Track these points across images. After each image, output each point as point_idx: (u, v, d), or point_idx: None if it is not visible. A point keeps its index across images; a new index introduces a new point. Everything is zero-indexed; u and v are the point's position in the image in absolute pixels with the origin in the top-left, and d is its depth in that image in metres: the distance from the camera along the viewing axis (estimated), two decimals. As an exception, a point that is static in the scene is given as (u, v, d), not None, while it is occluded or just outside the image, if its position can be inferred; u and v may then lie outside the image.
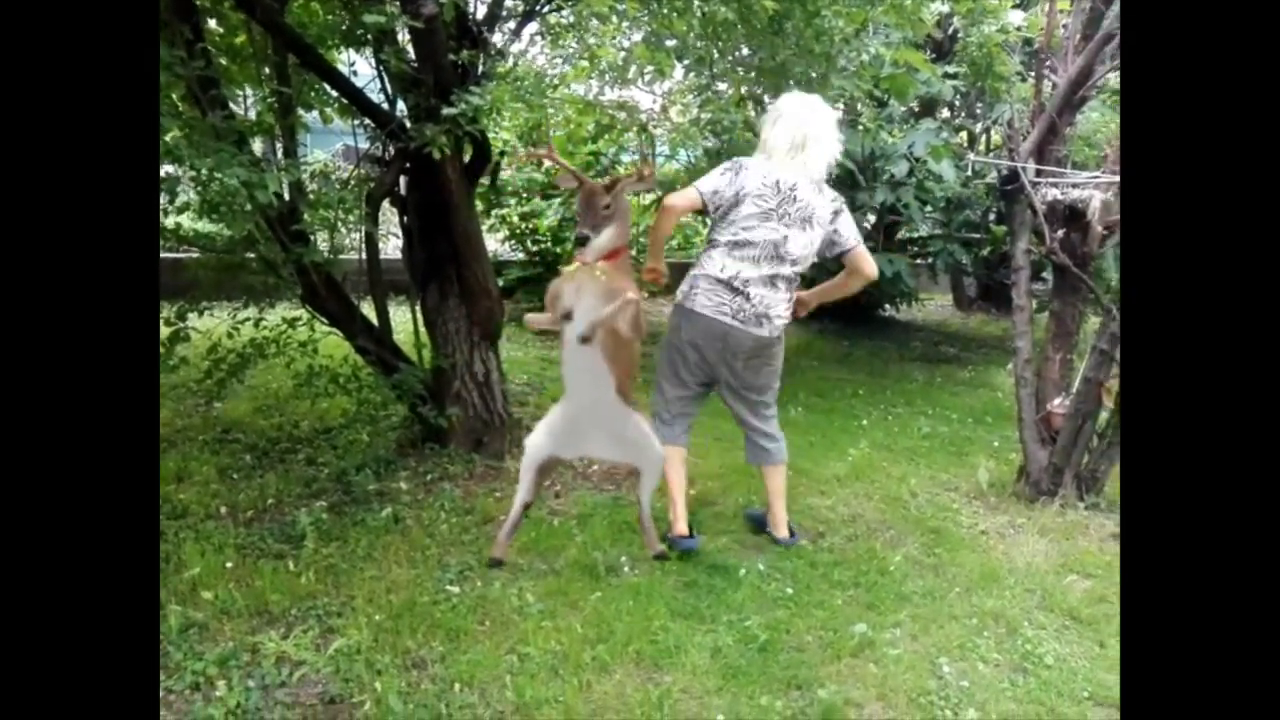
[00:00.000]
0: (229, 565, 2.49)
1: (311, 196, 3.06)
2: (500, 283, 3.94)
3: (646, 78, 4.56)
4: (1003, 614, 2.42)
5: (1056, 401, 3.36)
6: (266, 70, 3.23)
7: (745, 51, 4.29)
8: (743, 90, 4.95)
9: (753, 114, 5.44)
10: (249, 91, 3.48)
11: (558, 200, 6.28)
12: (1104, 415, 3.18)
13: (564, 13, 3.43)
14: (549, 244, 6.40)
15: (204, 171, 2.36)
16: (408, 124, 2.96)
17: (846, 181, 5.24)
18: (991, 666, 2.18)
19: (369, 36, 3.02)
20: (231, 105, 3.07)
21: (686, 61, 4.66)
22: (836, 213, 2.74)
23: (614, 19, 3.21)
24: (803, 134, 2.66)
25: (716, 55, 4.30)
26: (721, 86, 4.99)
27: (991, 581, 2.61)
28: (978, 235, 6.26)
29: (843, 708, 1.96)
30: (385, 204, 3.49)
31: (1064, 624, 2.40)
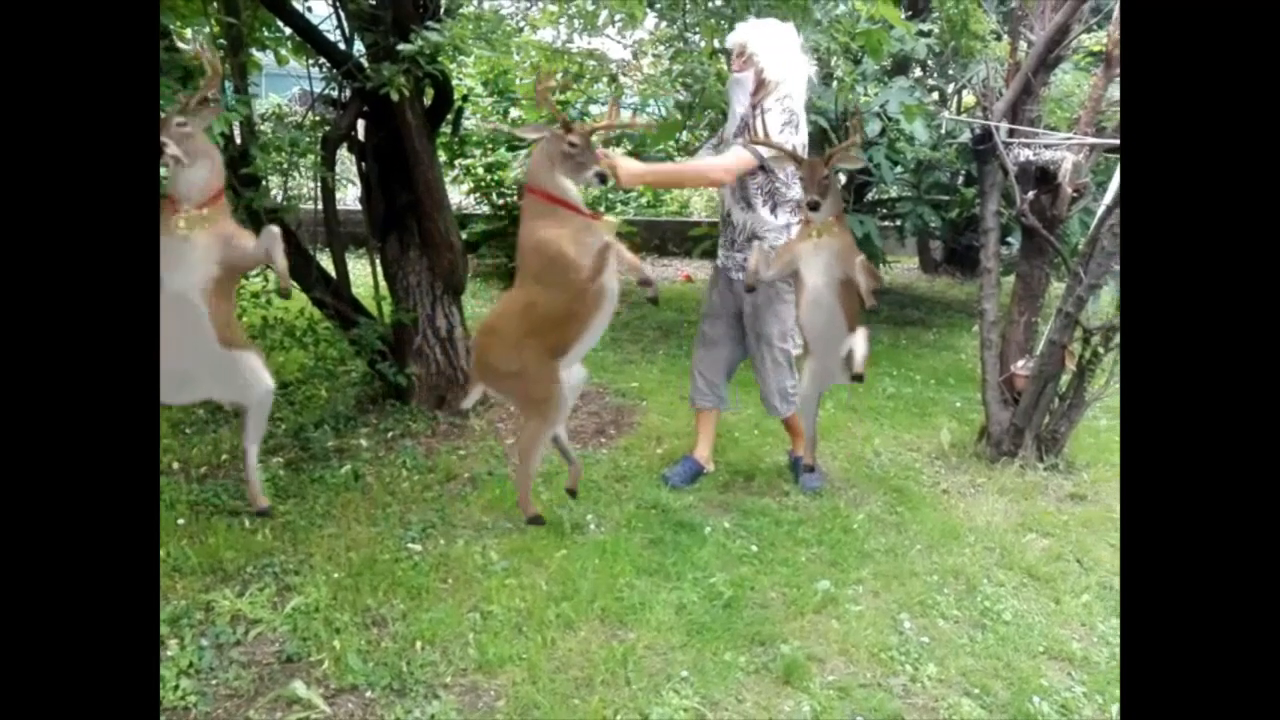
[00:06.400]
0: (181, 522, 2.43)
1: (263, 139, 2.90)
2: (464, 236, 3.82)
3: (617, 26, 4.40)
4: (962, 571, 2.46)
5: (1020, 363, 3.40)
6: (214, 2, 3.04)
7: (719, 1, 4.16)
8: (715, 42, 4.82)
9: (725, 66, 5.31)
10: (194, 26, 3.28)
11: (524, 152, 6.11)
12: (1065, 378, 3.22)
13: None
14: (515, 197, 6.24)
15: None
16: (365, 63, 2.82)
17: (819, 139, 5.17)
18: (951, 622, 2.22)
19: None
20: (177, 41, 2.88)
21: (659, 7, 4.51)
22: None
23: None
24: None
25: (690, 4, 4.16)
26: (694, 37, 4.86)
27: (952, 539, 2.65)
28: (947, 198, 6.26)
29: (805, 663, 1.97)
30: (343, 150, 3.35)
31: (1022, 581, 2.45)
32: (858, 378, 2.67)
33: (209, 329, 2.13)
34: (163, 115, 2.03)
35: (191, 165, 2.05)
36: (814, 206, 2.47)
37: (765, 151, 2.64)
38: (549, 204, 2.24)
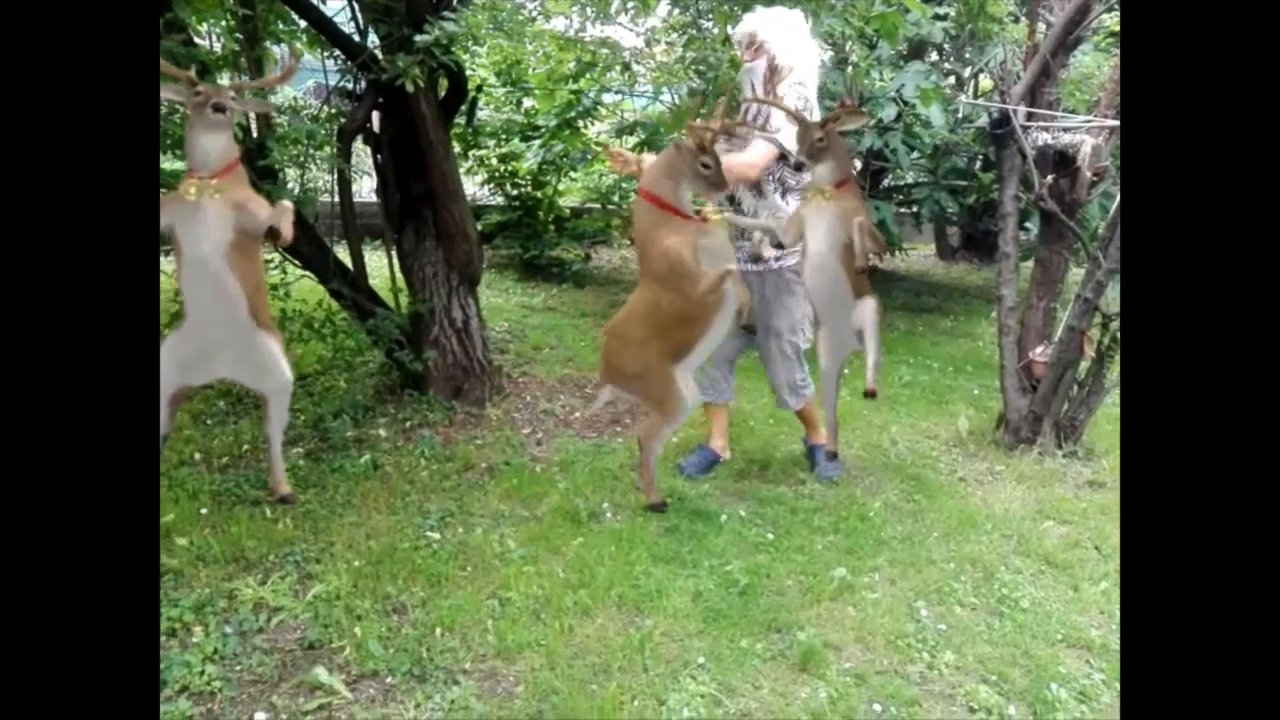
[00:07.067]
0: (204, 512, 2.46)
1: (279, 132, 2.92)
2: (479, 227, 3.83)
3: (630, 13, 4.39)
4: (980, 559, 2.45)
5: (1039, 350, 3.36)
6: (229, -3, 3.05)
7: (732, -14, 4.12)
8: (729, 29, 4.78)
9: (738, 53, 5.27)
10: (212, 22, 3.30)
11: (538, 142, 6.10)
12: (1085, 364, 3.19)
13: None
14: (529, 188, 6.24)
15: (164, 102, 2.24)
16: (379, 55, 2.83)
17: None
18: (968, 610, 2.21)
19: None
20: (194, 37, 2.90)
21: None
22: None
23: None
24: None
25: (703, -10, 4.13)
26: (707, 24, 4.82)
27: (969, 527, 2.64)
28: (964, 183, 6.19)
29: (822, 650, 1.98)
30: (359, 143, 3.36)
31: (1039, 569, 2.44)
32: (870, 394, 2.74)
33: (237, 295, 2.17)
34: (220, 84, 2.11)
35: (207, 132, 2.09)
36: (799, 168, 2.52)
37: (785, 140, 2.64)
38: (662, 211, 2.39)
